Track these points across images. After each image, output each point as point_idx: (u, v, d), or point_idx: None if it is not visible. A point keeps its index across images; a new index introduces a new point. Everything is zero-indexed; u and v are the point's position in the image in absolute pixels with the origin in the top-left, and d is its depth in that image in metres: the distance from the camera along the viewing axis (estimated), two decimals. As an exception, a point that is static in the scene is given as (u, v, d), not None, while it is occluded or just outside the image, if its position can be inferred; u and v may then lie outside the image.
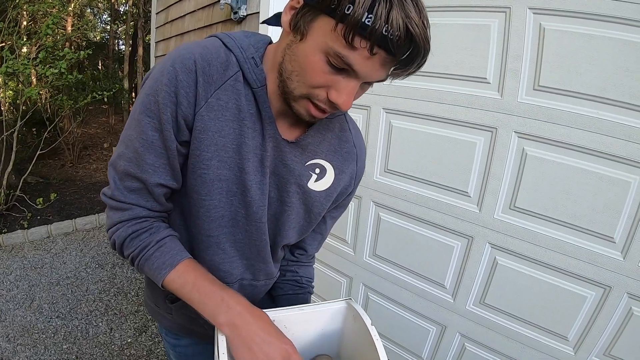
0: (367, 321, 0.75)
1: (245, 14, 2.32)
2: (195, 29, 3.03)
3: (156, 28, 3.92)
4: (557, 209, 1.47)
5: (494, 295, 1.68)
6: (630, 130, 1.30)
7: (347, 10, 0.52)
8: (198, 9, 2.96)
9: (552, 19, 1.40)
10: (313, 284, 1.07)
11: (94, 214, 3.89)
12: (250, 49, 0.70)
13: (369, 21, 0.52)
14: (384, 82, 0.65)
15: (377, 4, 0.51)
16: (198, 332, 0.94)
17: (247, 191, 0.74)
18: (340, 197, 0.90)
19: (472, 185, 1.67)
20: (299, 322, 0.80)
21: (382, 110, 1.91)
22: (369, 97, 1.93)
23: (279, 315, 0.77)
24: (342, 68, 0.59)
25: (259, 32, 2.06)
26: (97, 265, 3.13)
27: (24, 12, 4.73)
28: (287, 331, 0.78)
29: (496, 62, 1.53)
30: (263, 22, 0.80)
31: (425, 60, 0.59)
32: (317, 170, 0.81)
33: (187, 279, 0.70)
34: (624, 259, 1.37)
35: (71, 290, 2.76)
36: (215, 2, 2.57)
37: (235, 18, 2.35)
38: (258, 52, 0.71)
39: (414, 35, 0.53)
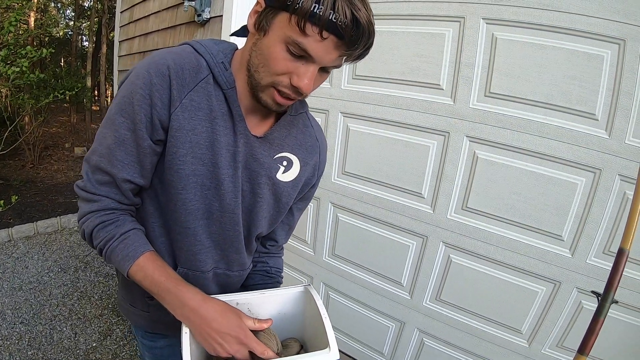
0: (319, 302, 0.80)
1: (208, 17, 2.33)
2: (159, 30, 3.00)
3: (120, 27, 3.84)
4: (508, 209, 1.56)
5: (450, 291, 1.76)
6: (576, 134, 1.40)
7: (299, 3, 0.60)
8: (162, 10, 2.93)
9: (504, 29, 1.49)
10: (282, 274, 1.12)
11: (56, 217, 3.77)
12: (219, 55, 0.77)
13: (318, 10, 0.60)
14: (339, 68, 0.73)
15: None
16: (177, 326, 0.96)
17: (221, 184, 0.79)
18: (305, 188, 0.97)
19: (425, 187, 1.74)
20: (261, 305, 0.85)
21: (340, 114, 1.97)
22: (327, 101, 1.98)
23: (242, 298, 0.83)
24: (301, 55, 0.66)
25: (222, 36, 2.06)
26: (59, 269, 3.06)
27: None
28: (250, 314, 0.84)
29: (449, 70, 1.61)
30: (232, 35, 0.86)
31: (372, 42, 0.66)
32: (285, 163, 0.87)
33: (146, 273, 0.75)
34: (572, 255, 1.47)
35: (34, 295, 2.69)
36: (180, 4, 2.56)
37: (198, 20, 2.36)
38: (227, 58, 0.77)
39: (359, 18, 0.61)
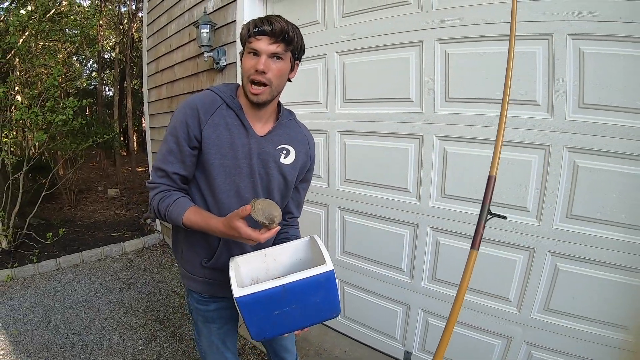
0: (318, 239, 1.15)
1: (225, 64, 2.83)
2: (184, 77, 3.49)
3: (148, 76, 4.36)
4: (478, 191, 1.74)
5: (442, 271, 2.03)
6: (524, 120, 1.68)
7: (245, 33, 1.14)
8: (185, 60, 3.43)
9: (454, 46, 1.84)
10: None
11: (99, 247, 4.20)
12: (227, 91, 1.25)
13: (252, 29, 1.12)
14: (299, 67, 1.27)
15: (252, 22, 1.12)
16: (226, 284, 1.18)
17: (241, 170, 1.21)
18: (303, 170, 1.37)
19: (410, 182, 2.08)
20: (282, 253, 1.24)
21: (337, 133, 2.37)
22: (326, 123, 2.39)
23: (268, 250, 1.23)
24: (255, 53, 1.12)
25: (237, 77, 2.57)
26: (105, 290, 3.42)
27: (18, 64, 5.17)
28: (275, 262, 1.22)
29: (416, 84, 1.98)
30: None
31: (289, 33, 1.12)
32: (285, 151, 1.29)
33: (192, 221, 1.14)
34: (539, 223, 1.70)
35: (84, 312, 3.04)
36: (200, 54, 3.06)
37: (217, 67, 2.86)
38: (232, 92, 1.26)
39: (272, 21, 1.09)
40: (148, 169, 5.54)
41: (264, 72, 1.12)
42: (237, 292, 0.97)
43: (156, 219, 4.78)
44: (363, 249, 2.36)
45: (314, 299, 1.02)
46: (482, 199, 1.79)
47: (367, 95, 2.20)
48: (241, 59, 1.19)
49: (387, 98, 2.11)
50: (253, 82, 1.14)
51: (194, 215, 1.14)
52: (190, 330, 2.82)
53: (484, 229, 1.04)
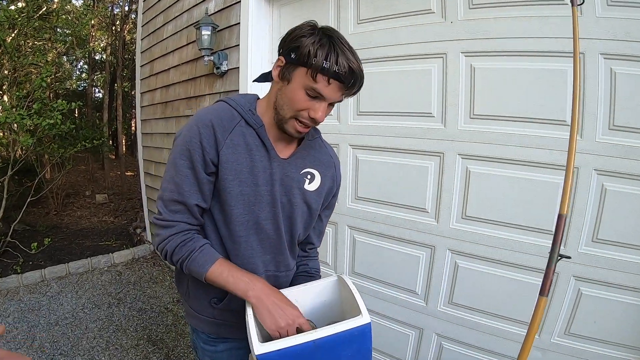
0: (350, 283, 1.01)
1: (226, 69, 2.65)
2: (180, 82, 3.32)
3: (141, 80, 4.19)
4: (502, 213, 1.75)
5: (461, 294, 1.92)
6: (551, 140, 1.60)
7: (313, 61, 0.88)
8: (182, 64, 3.26)
9: (480, 59, 1.74)
10: (320, 273, 1.36)
11: (86, 258, 3.99)
12: (246, 105, 1.05)
13: (326, 65, 0.88)
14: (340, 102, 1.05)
15: (329, 55, 0.88)
16: (238, 325, 1.13)
17: (262, 198, 1.04)
18: (328, 196, 1.22)
19: (428, 202, 1.95)
20: (306, 296, 1.07)
21: (349, 147, 2.23)
22: (337, 136, 2.26)
23: (290, 292, 1.04)
24: (315, 96, 0.93)
25: (239, 84, 2.41)
26: (93, 306, 3.24)
27: (5, 62, 4.97)
28: (297, 303, 1.04)
29: (438, 98, 1.86)
30: (254, 81, 1.15)
31: (362, 83, 0.96)
32: (309, 176, 1.13)
33: (223, 270, 0.99)
34: (564, 247, 1.62)
35: (71, 330, 2.86)
36: (199, 58, 2.89)
37: (217, 72, 2.68)
38: (252, 106, 1.06)
39: (354, 69, 0.90)
40: (138, 174, 5.34)
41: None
42: (259, 348, 0.82)
43: (146, 229, 4.59)
44: (374, 270, 2.23)
45: (346, 353, 0.88)
46: (507, 222, 1.77)
47: (382, 107, 2.07)
48: (284, 76, 0.97)
49: (405, 112, 1.98)
50: (300, 123, 0.99)
51: (229, 267, 1.01)
52: (185, 352, 2.65)
53: (554, 273, 0.91)
